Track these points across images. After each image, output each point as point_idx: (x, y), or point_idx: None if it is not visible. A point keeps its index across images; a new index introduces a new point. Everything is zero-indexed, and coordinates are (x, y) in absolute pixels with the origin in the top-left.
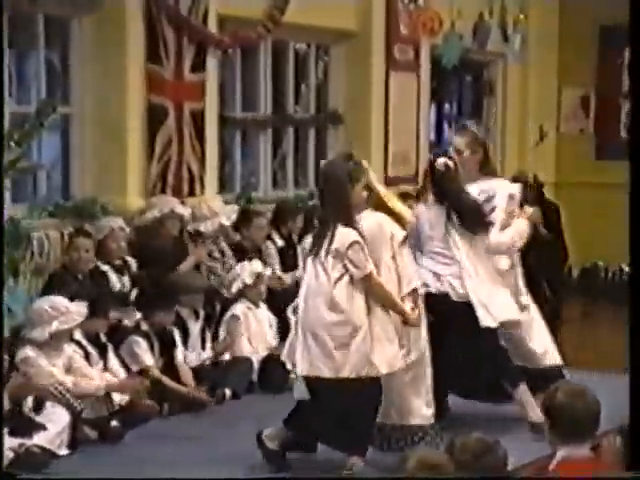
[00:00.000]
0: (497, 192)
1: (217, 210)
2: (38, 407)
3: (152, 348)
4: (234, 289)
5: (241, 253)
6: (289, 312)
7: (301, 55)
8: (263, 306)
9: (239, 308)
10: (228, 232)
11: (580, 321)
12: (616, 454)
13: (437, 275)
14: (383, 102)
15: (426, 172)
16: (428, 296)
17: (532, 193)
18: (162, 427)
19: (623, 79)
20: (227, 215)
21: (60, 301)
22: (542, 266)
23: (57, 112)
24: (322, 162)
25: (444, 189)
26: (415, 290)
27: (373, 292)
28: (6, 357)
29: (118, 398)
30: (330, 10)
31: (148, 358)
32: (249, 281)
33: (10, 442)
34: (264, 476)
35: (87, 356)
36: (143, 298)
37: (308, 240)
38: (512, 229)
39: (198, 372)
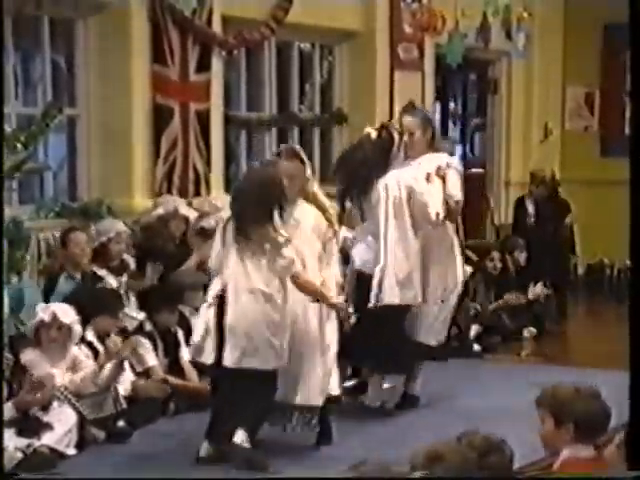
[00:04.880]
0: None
1: (220, 206)
2: (45, 406)
3: (156, 348)
4: None
5: None
6: None
7: (306, 55)
8: None
9: None
10: None
11: (585, 318)
12: (619, 453)
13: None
14: (388, 101)
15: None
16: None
17: (546, 189)
18: (168, 426)
19: (627, 76)
20: None
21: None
22: (546, 263)
23: (63, 114)
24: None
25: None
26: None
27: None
28: (11, 357)
29: (122, 389)
30: (334, 10)
31: (152, 358)
32: None
33: (18, 442)
34: (264, 476)
35: (97, 357)
36: (146, 298)
37: None
38: None
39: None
